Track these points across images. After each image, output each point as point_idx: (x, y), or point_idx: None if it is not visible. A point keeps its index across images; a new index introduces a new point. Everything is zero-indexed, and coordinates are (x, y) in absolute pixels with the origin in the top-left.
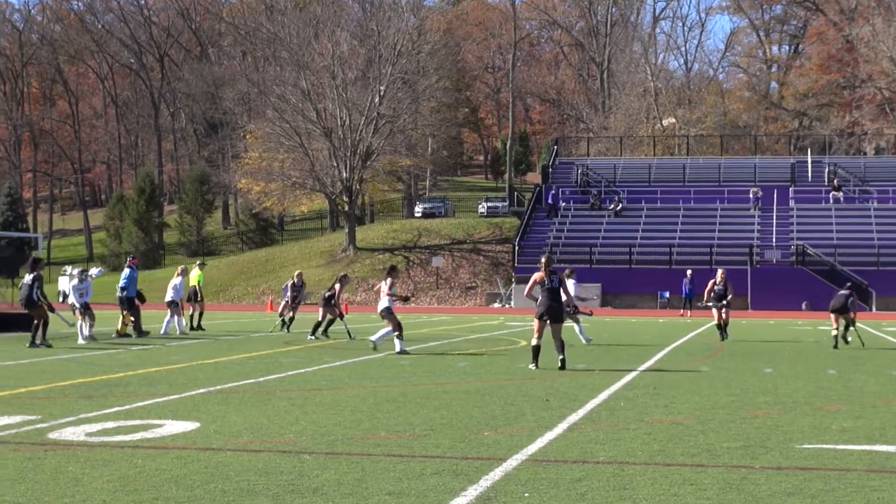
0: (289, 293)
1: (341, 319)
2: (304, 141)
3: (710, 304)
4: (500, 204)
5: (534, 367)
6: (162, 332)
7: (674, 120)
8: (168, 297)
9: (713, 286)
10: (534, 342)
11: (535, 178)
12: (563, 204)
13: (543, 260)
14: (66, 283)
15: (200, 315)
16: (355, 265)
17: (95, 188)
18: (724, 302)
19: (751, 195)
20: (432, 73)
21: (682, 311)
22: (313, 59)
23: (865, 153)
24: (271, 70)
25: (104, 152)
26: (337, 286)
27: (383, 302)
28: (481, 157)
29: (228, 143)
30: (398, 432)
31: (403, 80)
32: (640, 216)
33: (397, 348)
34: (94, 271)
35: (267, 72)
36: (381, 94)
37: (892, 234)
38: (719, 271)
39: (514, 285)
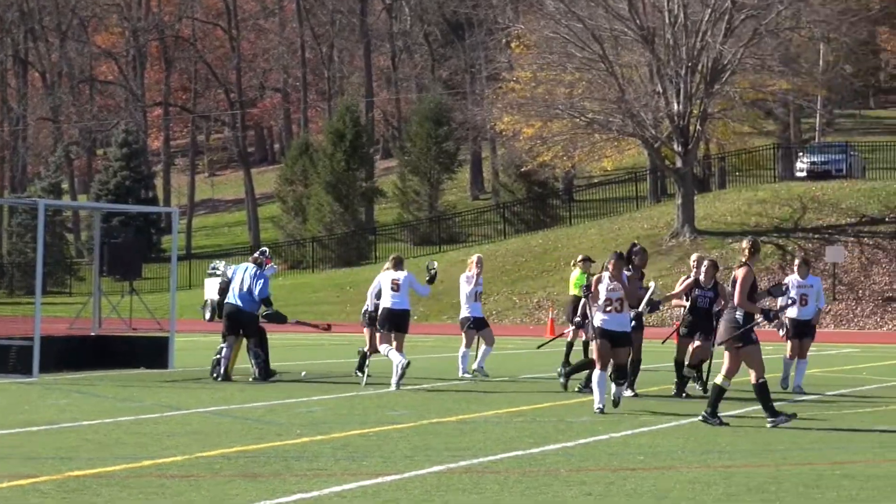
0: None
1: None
2: (609, 51)
3: None
4: None
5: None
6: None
7: None
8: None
9: None
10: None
11: None
12: None
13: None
14: (214, 287)
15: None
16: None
17: (263, 133)
18: None
19: None
20: None
21: None
22: None
23: None
24: None
25: (278, 73)
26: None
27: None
28: None
29: (482, 57)
30: None
31: None
32: None
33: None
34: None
35: None
36: None
37: None
38: None
39: None
